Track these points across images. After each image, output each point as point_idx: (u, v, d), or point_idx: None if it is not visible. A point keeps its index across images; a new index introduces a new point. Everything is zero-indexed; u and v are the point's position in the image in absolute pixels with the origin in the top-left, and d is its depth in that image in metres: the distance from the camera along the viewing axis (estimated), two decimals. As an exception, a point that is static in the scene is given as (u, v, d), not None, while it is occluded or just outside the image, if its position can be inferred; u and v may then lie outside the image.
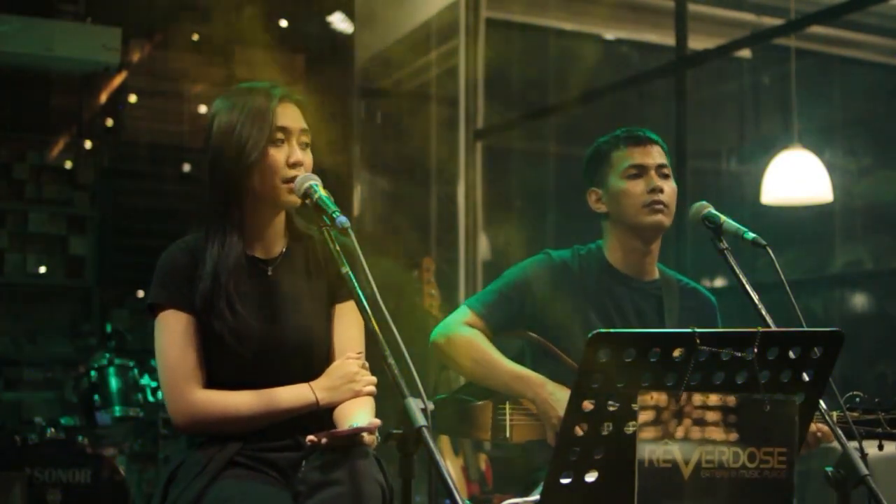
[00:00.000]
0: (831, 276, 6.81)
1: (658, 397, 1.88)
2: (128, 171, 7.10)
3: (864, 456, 2.22)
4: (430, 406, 1.96)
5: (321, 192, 2.29)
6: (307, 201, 2.32)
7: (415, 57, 7.09)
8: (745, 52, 6.95)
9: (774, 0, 6.35)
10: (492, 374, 2.81)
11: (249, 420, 2.37)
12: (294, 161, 2.41)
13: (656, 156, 2.91)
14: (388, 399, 2.22)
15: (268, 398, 2.37)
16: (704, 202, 2.74)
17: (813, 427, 2.58)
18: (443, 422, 2.95)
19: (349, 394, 2.41)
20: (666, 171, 2.91)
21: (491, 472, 5.37)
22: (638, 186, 2.88)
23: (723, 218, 2.66)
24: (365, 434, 2.20)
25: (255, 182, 2.41)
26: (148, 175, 7.12)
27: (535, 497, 2.40)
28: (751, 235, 2.61)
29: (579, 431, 1.90)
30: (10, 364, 6.45)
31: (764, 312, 2.46)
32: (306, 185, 2.32)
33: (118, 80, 6.97)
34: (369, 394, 2.44)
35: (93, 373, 5.23)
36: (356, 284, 2.17)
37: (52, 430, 5.03)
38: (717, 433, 1.92)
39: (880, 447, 2.64)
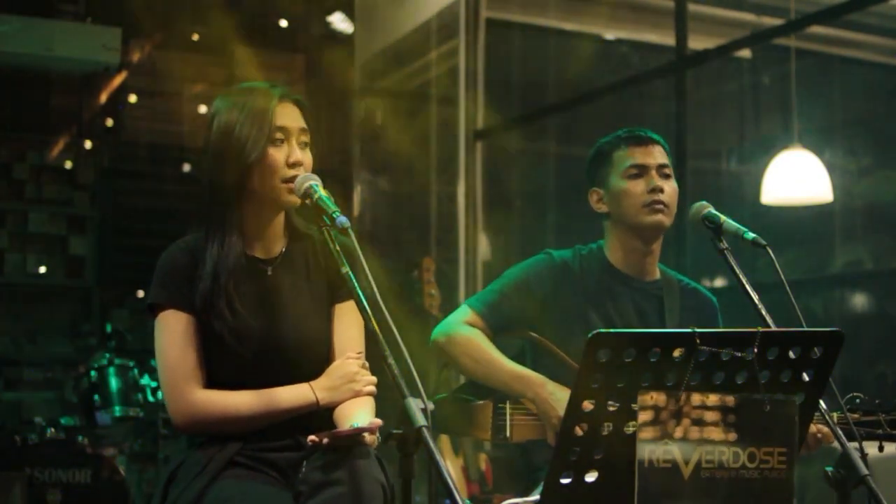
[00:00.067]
0: (831, 276, 6.81)
1: (658, 397, 1.88)
2: (128, 171, 7.10)
3: (864, 456, 2.22)
4: (430, 406, 1.96)
5: (321, 192, 2.29)
6: (307, 201, 2.32)
7: (415, 57, 7.09)
8: (745, 52, 6.95)
9: (774, 0, 6.35)
10: (492, 374, 2.81)
11: (249, 420, 2.37)
12: (293, 161, 2.41)
13: (657, 156, 2.91)
14: (388, 399, 2.22)
15: (268, 398, 2.37)
16: (704, 202, 2.74)
17: (813, 428, 2.58)
18: (443, 421, 2.95)
19: (349, 394, 2.41)
20: (667, 171, 2.92)
21: (491, 472, 5.37)
22: (638, 186, 2.88)
23: (723, 218, 2.66)
24: (366, 434, 2.20)
25: (255, 182, 2.41)
26: (148, 175, 7.12)
27: (535, 497, 2.40)
28: (751, 235, 2.61)
29: (579, 431, 1.90)
30: (10, 364, 6.45)
31: (764, 312, 2.46)
32: (306, 185, 2.32)
33: (118, 80, 6.97)
34: (369, 394, 2.43)
35: (93, 373, 5.23)
36: (356, 284, 2.17)
37: (52, 430, 5.03)
38: (716, 433, 1.92)
39: (881, 448, 2.64)
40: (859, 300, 6.62)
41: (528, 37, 7.09)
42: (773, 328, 2.32)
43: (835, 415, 2.47)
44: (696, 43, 5.81)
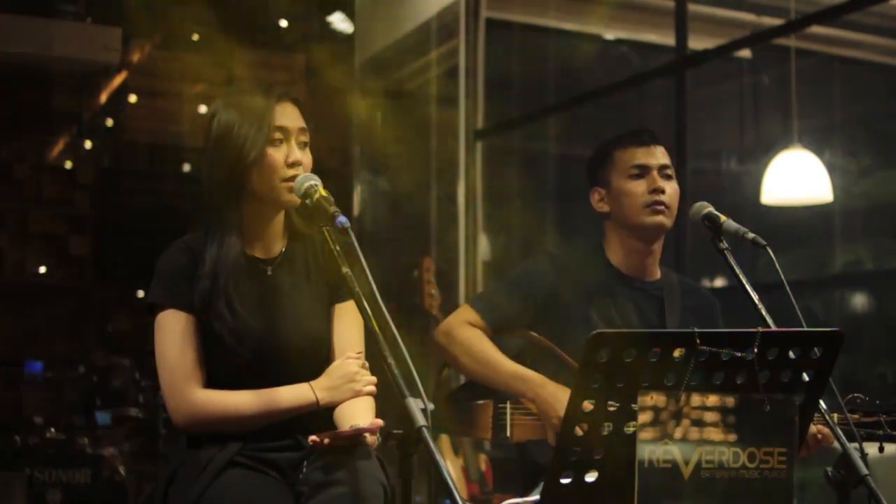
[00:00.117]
0: (831, 276, 6.81)
1: (658, 398, 1.88)
2: (128, 171, 7.10)
3: (864, 455, 2.22)
4: (430, 406, 1.96)
5: (321, 192, 2.29)
6: (307, 201, 2.32)
7: (415, 57, 7.09)
8: (745, 52, 6.95)
9: (774, 0, 6.35)
10: (492, 374, 2.81)
11: (250, 419, 2.37)
12: (293, 161, 2.41)
13: (659, 156, 2.91)
14: (388, 399, 2.22)
15: (268, 398, 2.38)
16: (704, 202, 2.74)
17: (813, 429, 2.58)
18: (443, 421, 2.95)
19: (349, 393, 2.41)
20: (669, 171, 2.91)
21: (491, 472, 5.37)
22: (640, 186, 2.88)
23: (723, 218, 2.66)
24: (367, 434, 2.20)
25: (254, 182, 2.41)
26: (148, 175, 7.12)
27: (535, 497, 2.40)
28: (751, 235, 2.61)
29: (579, 431, 1.90)
30: (10, 364, 6.45)
31: (764, 312, 2.46)
32: (307, 184, 2.32)
33: (118, 80, 6.97)
34: (369, 393, 2.44)
35: (93, 373, 5.23)
36: (356, 284, 2.17)
37: (52, 430, 5.03)
38: (716, 433, 1.92)
39: (881, 449, 2.64)
40: (859, 300, 6.62)
41: (528, 37, 7.09)
42: (773, 328, 2.32)
43: (835, 415, 2.47)
44: (696, 43, 5.81)
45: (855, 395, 2.69)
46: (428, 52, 6.99)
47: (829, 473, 2.20)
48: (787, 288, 2.44)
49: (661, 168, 2.90)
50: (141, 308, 2.58)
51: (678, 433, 1.89)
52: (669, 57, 5.67)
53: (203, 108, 6.93)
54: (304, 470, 2.32)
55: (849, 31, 6.83)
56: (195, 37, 6.95)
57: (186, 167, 7.08)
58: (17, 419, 5.80)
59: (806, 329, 2.21)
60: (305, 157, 2.45)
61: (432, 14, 6.83)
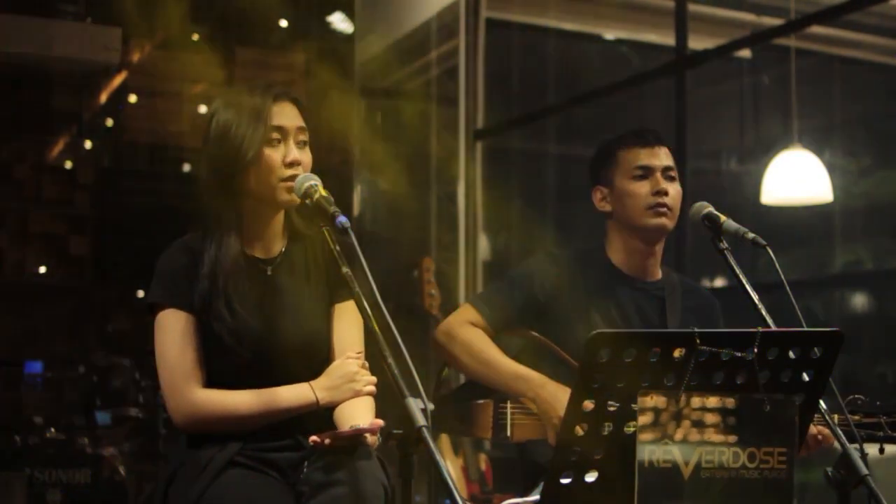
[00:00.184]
0: (831, 276, 6.81)
1: (658, 398, 1.88)
2: (128, 171, 7.09)
3: (864, 455, 2.22)
4: (430, 406, 1.96)
5: (321, 192, 2.29)
6: (307, 201, 2.32)
7: (415, 57, 7.09)
8: (745, 52, 6.95)
9: (774, 0, 6.35)
10: (493, 374, 2.81)
11: (249, 419, 2.37)
12: (291, 160, 2.41)
13: (663, 157, 2.91)
14: (388, 399, 2.22)
15: (268, 397, 2.37)
16: (704, 202, 2.74)
17: (813, 430, 2.58)
18: (443, 420, 2.95)
19: (349, 393, 2.41)
20: (672, 173, 2.91)
21: (491, 472, 5.37)
22: (643, 188, 2.87)
23: (723, 218, 2.66)
24: (367, 434, 2.20)
25: (252, 182, 2.41)
26: (148, 175, 7.12)
27: (535, 497, 2.40)
28: (751, 235, 2.61)
29: (579, 431, 1.90)
30: (10, 364, 6.44)
31: (764, 312, 2.46)
32: (307, 184, 2.32)
33: (118, 80, 6.97)
34: (369, 393, 2.44)
35: (93, 373, 5.23)
36: (356, 284, 2.17)
37: (52, 430, 5.02)
38: (716, 434, 1.92)
39: (881, 451, 2.64)
40: (859, 300, 6.62)
41: (528, 37, 7.09)
42: (773, 328, 2.32)
43: (836, 416, 2.47)
44: (696, 43, 5.81)
45: (855, 396, 2.69)
46: (428, 52, 6.99)
47: (829, 473, 2.20)
48: (787, 288, 2.44)
49: (665, 170, 2.89)
50: (141, 308, 2.57)
51: (678, 435, 1.89)
52: (669, 57, 5.67)
53: (203, 108, 6.93)
54: (305, 470, 2.31)
55: (849, 31, 6.83)
56: (195, 37, 6.94)
57: (186, 167, 7.08)
58: (17, 419, 5.79)
59: (806, 329, 2.21)
60: (305, 157, 2.44)
61: (432, 14, 6.83)
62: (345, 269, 2.19)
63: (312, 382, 2.41)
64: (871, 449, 2.52)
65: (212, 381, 2.40)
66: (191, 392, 2.37)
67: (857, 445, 2.25)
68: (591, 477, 1.93)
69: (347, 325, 2.50)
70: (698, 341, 1.89)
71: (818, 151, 5.44)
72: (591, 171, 3.01)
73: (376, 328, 2.07)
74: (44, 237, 6.84)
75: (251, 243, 2.49)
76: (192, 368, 2.38)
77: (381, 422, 2.27)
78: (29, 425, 5.31)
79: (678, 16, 5.50)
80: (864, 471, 2.14)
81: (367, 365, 2.46)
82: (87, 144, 7.00)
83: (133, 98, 7.07)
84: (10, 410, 6.09)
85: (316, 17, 7.21)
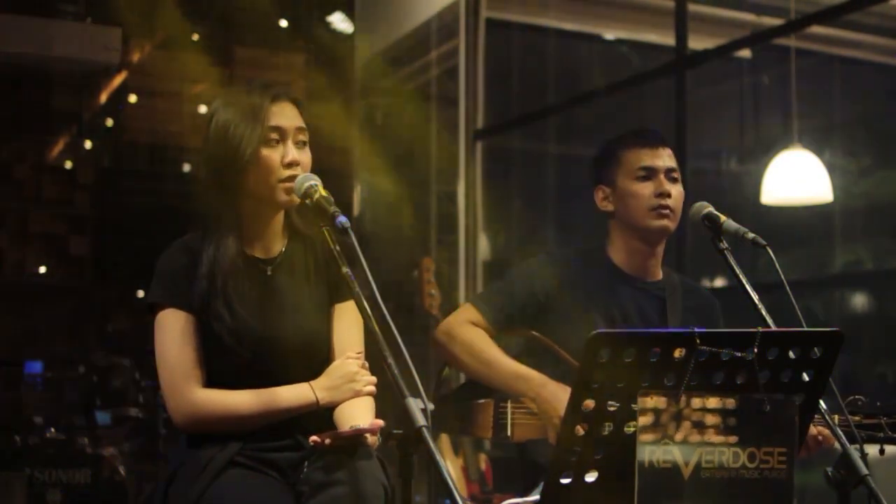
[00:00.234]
0: (831, 276, 6.81)
1: (658, 398, 1.88)
2: (128, 171, 7.10)
3: (864, 455, 2.22)
4: (430, 406, 1.96)
5: (321, 192, 2.29)
6: (307, 201, 2.31)
7: (415, 57, 7.09)
8: (745, 52, 6.95)
9: (774, 0, 6.35)
10: (493, 373, 2.81)
11: (249, 419, 2.37)
12: (290, 161, 2.40)
13: (666, 159, 2.90)
14: (388, 399, 2.22)
15: (268, 397, 2.37)
16: (704, 202, 2.74)
17: (813, 430, 2.58)
18: (444, 420, 2.95)
19: (349, 393, 2.41)
20: (675, 174, 2.91)
21: (491, 472, 5.37)
22: (647, 189, 2.87)
23: (723, 218, 2.66)
24: (367, 434, 2.20)
25: (251, 182, 2.41)
26: (148, 175, 7.12)
27: (535, 497, 2.40)
28: (751, 235, 2.61)
29: (579, 431, 1.90)
30: (10, 364, 6.45)
31: (764, 312, 2.46)
32: (307, 184, 2.32)
33: (118, 80, 6.97)
34: (369, 393, 2.43)
35: (93, 373, 5.23)
36: (356, 284, 2.17)
37: (52, 430, 5.02)
38: (716, 434, 1.92)
39: (881, 452, 2.63)
40: (859, 300, 6.62)
41: (528, 37, 7.09)
42: (773, 328, 2.32)
43: (836, 417, 2.47)
44: (696, 43, 5.81)
45: (856, 396, 2.69)
46: (428, 52, 6.99)
47: (829, 473, 2.20)
48: (787, 288, 2.44)
49: (668, 171, 2.89)
50: (141, 308, 2.57)
51: (678, 434, 1.89)
52: (669, 57, 5.67)
53: (203, 108, 6.93)
54: (305, 470, 2.31)
55: (849, 31, 6.84)
56: (195, 37, 6.95)
57: (186, 167, 7.08)
58: (17, 419, 5.80)
59: (806, 329, 2.21)
60: (304, 157, 2.44)
61: (432, 14, 6.83)
62: (345, 269, 2.19)
63: (312, 382, 2.41)
64: (872, 449, 2.52)
65: (212, 381, 2.40)
66: (191, 392, 2.37)
67: (857, 445, 2.25)
68: (591, 477, 1.93)
69: (347, 325, 2.50)
70: (698, 341, 1.89)
71: (818, 151, 5.44)
72: (593, 170, 3.00)
73: (376, 328, 2.07)
74: (44, 237, 6.84)
75: (251, 243, 2.49)
76: (192, 368, 2.38)
77: (381, 422, 2.27)
78: (29, 425, 5.31)
79: (678, 16, 5.50)
80: (864, 471, 2.14)
81: (367, 365, 2.46)
82: (87, 144, 7.00)
83: (133, 98, 7.07)
84: (10, 410, 6.09)
85: (316, 17, 7.22)
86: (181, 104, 7.09)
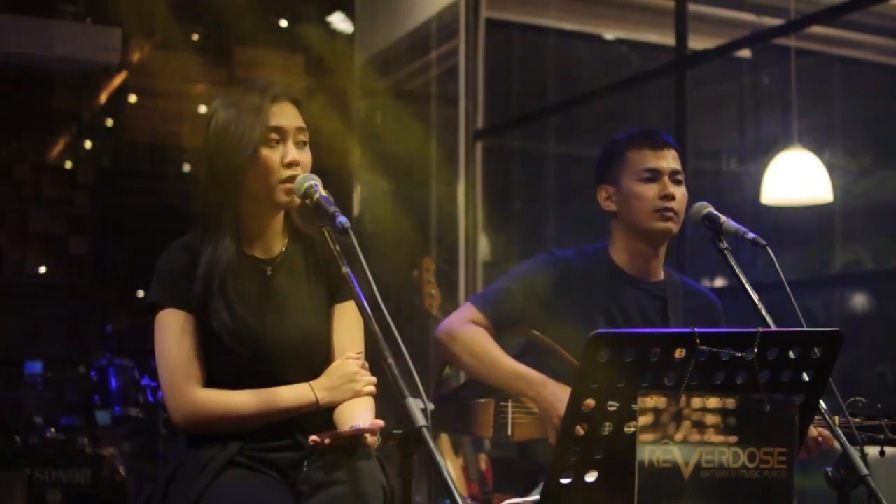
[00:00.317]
0: (831, 276, 6.81)
1: (658, 398, 1.88)
2: (128, 171, 7.10)
3: (864, 456, 2.22)
4: (430, 406, 1.96)
5: (321, 192, 2.29)
6: (307, 201, 2.31)
7: (415, 57, 7.09)
8: (745, 52, 6.95)
9: (774, 0, 6.35)
10: (493, 373, 2.81)
11: (249, 419, 2.37)
12: (290, 161, 2.40)
13: (671, 161, 2.89)
14: (388, 399, 2.22)
15: (268, 397, 2.37)
16: (704, 202, 2.74)
17: (814, 432, 2.58)
18: (444, 419, 2.95)
19: (349, 394, 2.41)
20: (679, 177, 2.90)
21: (491, 472, 5.37)
22: (651, 191, 2.86)
23: (723, 218, 2.66)
24: (367, 435, 2.20)
25: (252, 182, 2.41)
26: (148, 175, 7.13)
27: (535, 497, 2.40)
28: (751, 235, 2.61)
29: (579, 431, 1.90)
30: (10, 364, 6.45)
31: (764, 312, 2.46)
32: (307, 184, 2.31)
33: (118, 80, 6.97)
34: (369, 394, 2.43)
35: (93, 373, 5.23)
36: (356, 284, 2.17)
37: (52, 430, 5.02)
38: (716, 434, 1.92)
39: (882, 453, 2.63)
40: (859, 300, 6.62)
41: (528, 37, 7.09)
42: (773, 328, 2.32)
43: (836, 418, 2.47)
44: (696, 43, 5.81)
45: (857, 398, 2.69)
46: (428, 52, 6.99)
47: (829, 474, 2.20)
48: (787, 288, 2.44)
49: (673, 173, 2.88)
50: (141, 308, 2.57)
51: (678, 434, 1.89)
52: (669, 57, 5.67)
53: (203, 108, 6.94)
54: (305, 470, 2.31)
55: (849, 31, 6.83)
56: (195, 37, 6.95)
57: (186, 167, 7.09)
58: (17, 419, 5.80)
59: (806, 329, 2.21)
60: (304, 157, 2.43)
61: (432, 14, 6.83)
62: (345, 269, 2.19)
63: (312, 382, 2.41)
64: (872, 450, 2.52)
65: (211, 381, 2.40)
66: (190, 392, 2.37)
67: (857, 446, 2.25)
68: (591, 477, 1.93)
69: (347, 326, 2.50)
70: (698, 341, 1.88)
71: (818, 151, 5.44)
72: (597, 169, 2.99)
73: (376, 328, 2.07)
74: (44, 237, 6.85)
75: (251, 243, 2.49)
76: (191, 368, 2.38)
77: (381, 422, 2.27)
78: (29, 425, 5.31)
79: (678, 16, 5.50)
80: (864, 471, 2.14)
81: (367, 365, 2.46)
82: (87, 144, 7.01)
83: (133, 98, 7.08)
84: (10, 410, 6.10)
85: (316, 17, 7.22)
86: (181, 104, 7.09)
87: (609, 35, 7.11)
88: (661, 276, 2.98)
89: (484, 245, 6.70)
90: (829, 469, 2.20)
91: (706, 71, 6.12)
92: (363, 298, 2.12)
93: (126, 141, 7.11)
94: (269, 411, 2.37)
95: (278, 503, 2.29)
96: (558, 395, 2.69)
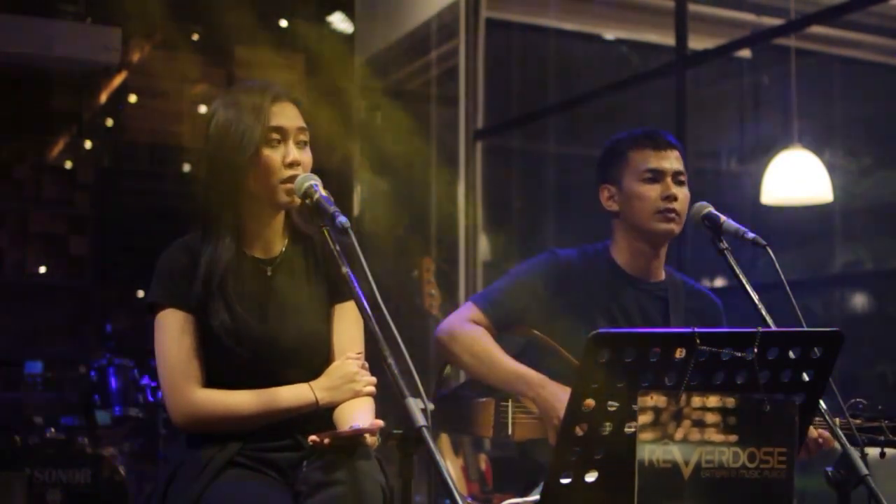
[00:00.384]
0: (831, 276, 6.81)
1: (658, 398, 1.88)
2: (128, 171, 7.10)
3: (863, 456, 2.22)
4: (430, 406, 1.96)
5: (321, 192, 2.29)
6: (307, 201, 2.31)
7: (415, 57, 7.09)
8: (745, 52, 6.95)
9: (774, 0, 6.35)
10: (493, 372, 2.81)
11: (249, 419, 2.37)
12: (291, 161, 2.40)
13: (674, 161, 2.89)
14: (388, 399, 2.22)
15: (268, 397, 2.37)
16: (704, 202, 2.73)
17: (814, 433, 2.58)
18: (445, 418, 2.95)
19: (349, 394, 2.41)
20: (682, 177, 2.89)
21: (491, 472, 5.37)
22: (653, 191, 2.86)
23: (723, 218, 2.66)
24: (367, 435, 2.20)
25: (252, 183, 2.41)
26: (148, 175, 7.13)
27: (535, 497, 2.40)
28: (751, 235, 2.60)
29: (579, 431, 1.90)
30: (10, 364, 6.45)
31: (764, 312, 2.46)
32: (307, 184, 2.31)
33: (118, 80, 6.97)
34: (369, 394, 2.43)
35: (93, 373, 5.23)
36: (356, 284, 2.17)
37: (52, 430, 5.02)
38: (716, 434, 1.92)
39: (882, 455, 2.63)
40: (859, 300, 6.62)
41: (527, 37, 7.09)
42: (773, 328, 2.32)
43: (837, 420, 2.47)
44: (696, 43, 5.81)
45: (857, 399, 2.69)
46: (428, 52, 6.99)
47: (829, 474, 2.20)
48: (787, 288, 2.44)
49: (675, 174, 2.87)
50: (141, 308, 2.57)
51: (678, 434, 1.89)
52: (669, 57, 5.67)
53: (203, 108, 6.94)
54: (304, 470, 2.31)
55: (849, 31, 6.84)
56: (195, 37, 6.95)
57: (186, 167, 7.09)
58: (17, 419, 5.80)
59: (806, 329, 2.21)
60: (305, 157, 2.43)
61: (432, 14, 6.84)
62: (345, 270, 2.19)
63: (312, 383, 2.41)
64: (873, 451, 2.52)
65: (211, 381, 2.40)
66: (190, 392, 2.37)
67: (858, 447, 2.25)
68: (591, 477, 1.93)
69: (347, 326, 2.50)
70: (698, 341, 1.88)
71: (818, 151, 5.44)
72: (599, 169, 2.98)
73: (376, 328, 2.07)
74: (44, 237, 6.84)
75: (251, 243, 2.48)
76: (191, 368, 2.38)
77: (380, 422, 2.27)
78: (29, 425, 5.31)
79: (678, 16, 5.50)
80: (864, 471, 2.14)
81: (366, 365, 2.46)
82: (87, 144, 7.01)
83: (133, 98, 7.07)
84: (10, 410, 6.10)
85: (315, 17, 7.22)
86: (181, 104, 7.09)
87: (609, 35, 7.11)
88: (663, 276, 2.98)
89: (484, 245, 6.71)
90: (829, 469, 2.20)
91: (706, 71, 6.12)
92: (363, 298, 2.12)
93: (126, 141, 7.11)
94: (268, 411, 2.37)
95: (278, 503, 2.29)
96: (558, 395, 2.69)
